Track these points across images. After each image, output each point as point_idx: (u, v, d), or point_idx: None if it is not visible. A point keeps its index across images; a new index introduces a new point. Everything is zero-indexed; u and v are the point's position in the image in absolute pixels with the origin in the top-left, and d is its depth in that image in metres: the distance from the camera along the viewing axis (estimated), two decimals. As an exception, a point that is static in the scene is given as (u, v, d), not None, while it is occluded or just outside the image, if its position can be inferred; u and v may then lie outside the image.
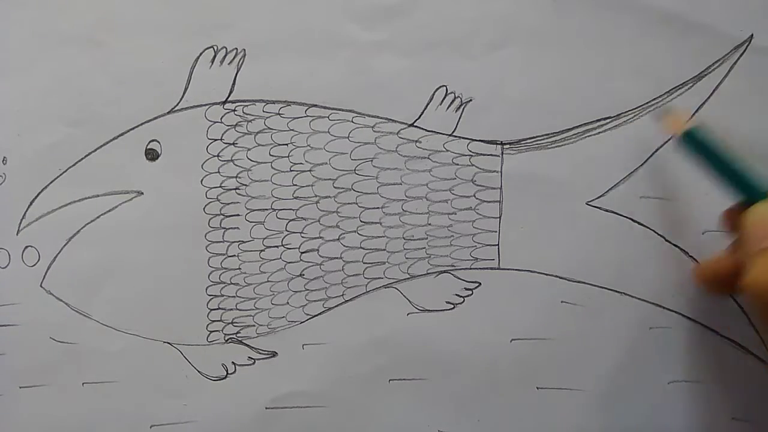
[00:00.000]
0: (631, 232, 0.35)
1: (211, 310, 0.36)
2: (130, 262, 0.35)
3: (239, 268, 0.36)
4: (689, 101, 0.35)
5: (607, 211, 0.35)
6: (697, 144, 0.32)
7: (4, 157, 0.35)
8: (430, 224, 0.36)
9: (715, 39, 0.34)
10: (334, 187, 0.35)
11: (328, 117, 0.35)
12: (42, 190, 0.35)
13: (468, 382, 0.36)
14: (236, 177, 0.35)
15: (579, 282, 0.35)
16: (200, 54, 0.35)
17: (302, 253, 0.36)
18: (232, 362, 0.36)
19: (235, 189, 0.35)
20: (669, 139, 0.35)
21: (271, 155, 0.35)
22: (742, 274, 0.29)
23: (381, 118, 0.35)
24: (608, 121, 0.35)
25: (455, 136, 0.35)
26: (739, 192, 0.31)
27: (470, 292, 0.36)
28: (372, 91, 0.35)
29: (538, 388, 0.36)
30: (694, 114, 0.35)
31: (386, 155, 0.35)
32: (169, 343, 0.36)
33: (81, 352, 0.36)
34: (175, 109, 0.35)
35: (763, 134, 0.35)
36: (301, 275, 0.36)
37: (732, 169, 0.31)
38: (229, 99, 0.35)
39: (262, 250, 0.35)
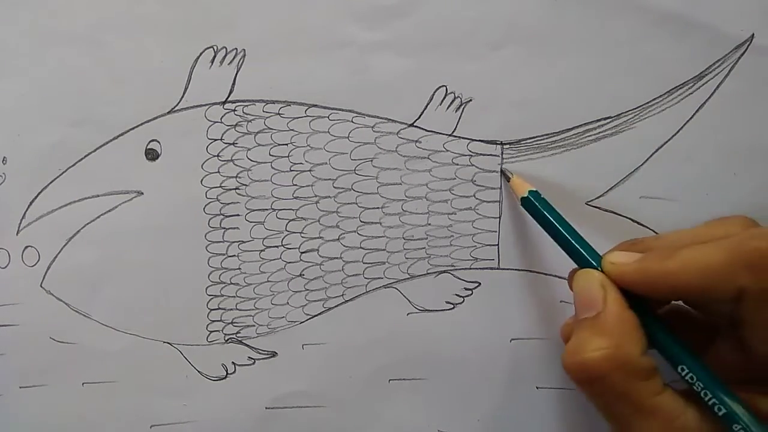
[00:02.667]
0: (631, 232, 0.35)
1: (211, 310, 0.36)
2: (130, 262, 0.35)
3: (239, 268, 0.36)
4: (689, 101, 0.34)
5: (607, 211, 0.35)
6: (534, 208, 0.33)
7: (4, 157, 0.35)
8: (429, 224, 0.36)
9: (715, 39, 0.34)
10: (334, 187, 0.35)
11: (328, 117, 0.35)
12: (42, 190, 0.35)
13: (468, 382, 0.36)
14: (236, 177, 0.35)
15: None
16: (200, 54, 0.35)
17: (302, 253, 0.36)
18: (232, 362, 0.36)
19: (235, 189, 0.35)
20: (669, 139, 0.35)
21: (271, 155, 0.35)
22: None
23: (381, 118, 0.35)
24: (608, 121, 0.35)
25: (455, 136, 0.35)
26: (571, 257, 0.31)
27: (470, 292, 0.36)
28: (372, 91, 0.35)
29: (538, 388, 0.36)
30: (694, 114, 0.35)
31: (386, 155, 0.35)
32: (169, 343, 0.36)
33: (81, 352, 0.36)
34: (175, 109, 0.35)
35: (763, 134, 0.35)
36: (301, 275, 0.36)
37: (563, 235, 0.32)
38: (229, 99, 0.35)
39: (262, 250, 0.35)
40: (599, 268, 0.30)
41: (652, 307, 0.30)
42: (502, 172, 0.35)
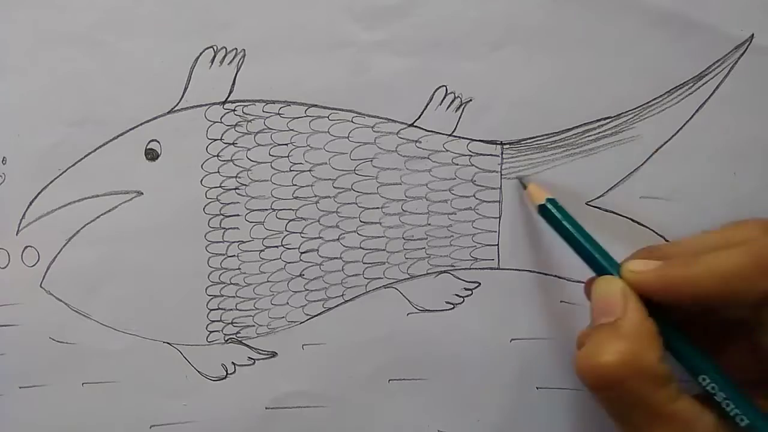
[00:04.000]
0: (631, 232, 0.35)
1: (211, 310, 0.36)
2: (130, 262, 0.35)
3: (239, 268, 0.36)
4: (689, 101, 0.34)
5: (607, 211, 0.35)
6: (552, 216, 0.33)
7: (4, 157, 0.35)
8: (429, 224, 0.36)
9: (715, 39, 0.34)
10: (334, 187, 0.35)
11: (327, 117, 0.35)
12: (42, 190, 0.35)
13: (468, 382, 0.36)
14: (236, 177, 0.35)
15: (579, 282, 0.35)
16: (200, 54, 0.35)
17: (302, 253, 0.36)
18: (232, 362, 0.36)
19: (235, 189, 0.35)
20: (669, 139, 0.35)
21: (270, 155, 0.35)
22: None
23: (381, 118, 0.35)
24: (608, 121, 0.35)
25: (455, 136, 0.35)
26: (589, 265, 0.31)
27: (470, 292, 0.36)
28: (372, 91, 0.35)
29: (538, 388, 0.36)
30: (694, 114, 0.35)
31: (386, 155, 0.35)
32: (168, 343, 0.36)
33: (81, 352, 0.36)
34: (175, 109, 0.35)
35: (763, 134, 0.35)
36: (300, 275, 0.36)
37: (581, 243, 0.32)
38: (229, 99, 0.35)
39: (261, 250, 0.35)
40: (618, 276, 0.30)
41: (670, 315, 0.30)
42: (519, 180, 0.35)
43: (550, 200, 0.33)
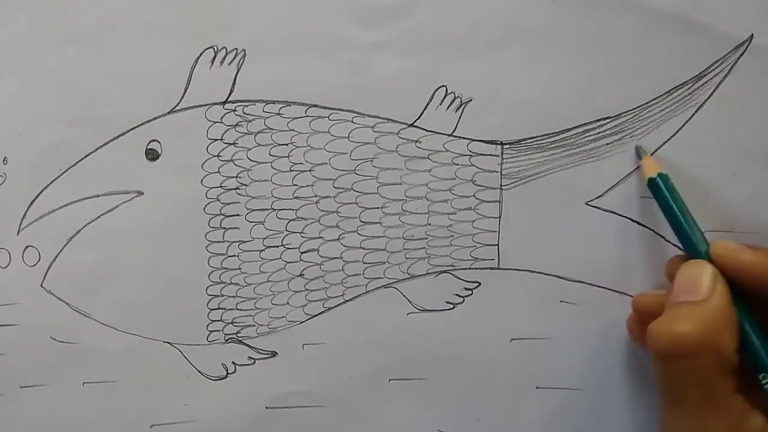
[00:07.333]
0: (631, 232, 0.35)
1: (211, 309, 0.36)
2: (131, 262, 0.35)
3: (239, 268, 0.36)
4: (689, 101, 0.35)
5: (607, 211, 0.35)
6: (659, 191, 0.33)
7: (5, 157, 0.35)
8: (429, 224, 0.36)
9: (715, 39, 0.34)
10: (334, 187, 0.35)
11: (328, 117, 0.35)
12: (42, 190, 0.35)
13: (468, 382, 0.36)
14: (236, 177, 0.35)
15: (579, 282, 0.35)
16: (200, 54, 0.35)
17: (302, 253, 0.36)
18: (232, 362, 0.36)
19: (235, 189, 0.35)
20: (669, 139, 0.35)
21: (271, 155, 0.35)
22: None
23: (381, 118, 0.35)
24: (608, 121, 0.35)
25: (455, 136, 0.35)
26: (683, 245, 0.32)
27: (470, 292, 0.36)
28: (372, 91, 0.35)
29: (538, 388, 0.36)
30: (694, 114, 0.35)
31: (386, 155, 0.35)
32: (169, 342, 0.36)
33: (81, 352, 0.36)
34: (176, 109, 0.35)
35: (763, 134, 0.35)
36: (301, 275, 0.36)
37: (680, 223, 0.32)
38: (229, 99, 0.35)
39: (262, 250, 0.36)
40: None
41: (752, 308, 0.30)
42: (636, 149, 0.35)
43: (662, 176, 0.33)
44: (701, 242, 0.31)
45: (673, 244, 0.35)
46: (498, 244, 0.35)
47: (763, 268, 0.29)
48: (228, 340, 0.36)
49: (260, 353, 0.36)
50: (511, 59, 0.35)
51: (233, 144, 0.35)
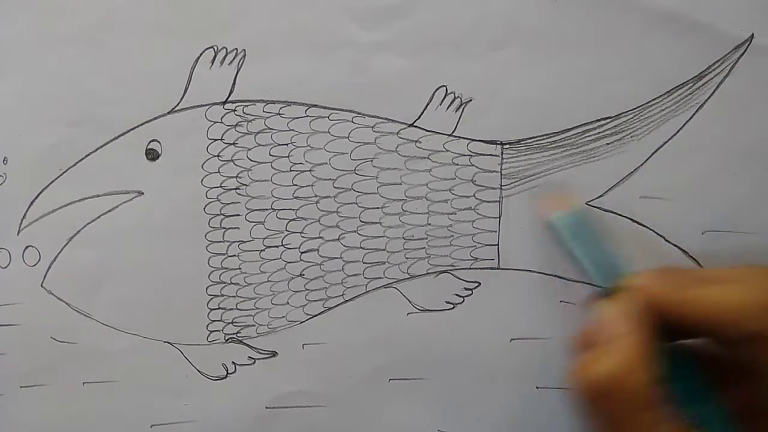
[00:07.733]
0: (631, 232, 0.35)
1: (212, 309, 0.36)
2: (131, 262, 0.35)
3: (239, 268, 0.36)
4: (689, 101, 0.34)
5: (607, 211, 0.35)
6: (558, 234, 0.33)
7: (5, 157, 0.35)
8: (429, 224, 0.36)
9: (716, 39, 0.34)
10: (334, 187, 0.35)
11: (328, 117, 0.35)
12: (42, 190, 0.35)
13: (468, 382, 0.36)
14: (236, 177, 0.35)
15: (579, 282, 0.35)
16: (200, 54, 0.35)
17: (302, 253, 0.36)
18: (232, 362, 0.36)
19: (236, 189, 0.35)
20: (669, 139, 0.35)
21: (271, 155, 0.35)
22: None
23: (381, 118, 0.35)
24: (608, 121, 0.35)
25: (455, 136, 0.35)
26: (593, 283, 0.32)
27: (470, 292, 0.36)
28: (372, 91, 0.35)
29: (538, 388, 0.36)
30: (694, 114, 0.35)
31: (386, 155, 0.35)
32: (169, 342, 0.36)
33: (81, 352, 0.36)
34: (176, 109, 0.35)
35: (763, 134, 0.35)
36: (301, 275, 0.36)
37: (582, 266, 0.32)
38: (230, 99, 0.35)
39: (262, 250, 0.36)
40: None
41: (677, 340, 0.30)
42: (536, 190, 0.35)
43: (561, 217, 0.33)
44: (611, 278, 0.31)
45: (674, 245, 0.35)
46: (498, 244, 0.36)
47: (679, 301, 0.29)
48: (228, 340, 0.36)
49: (260, 353, 0.36)
50: (511, 59, 0.35)
51: (233, 144, 0.35)
